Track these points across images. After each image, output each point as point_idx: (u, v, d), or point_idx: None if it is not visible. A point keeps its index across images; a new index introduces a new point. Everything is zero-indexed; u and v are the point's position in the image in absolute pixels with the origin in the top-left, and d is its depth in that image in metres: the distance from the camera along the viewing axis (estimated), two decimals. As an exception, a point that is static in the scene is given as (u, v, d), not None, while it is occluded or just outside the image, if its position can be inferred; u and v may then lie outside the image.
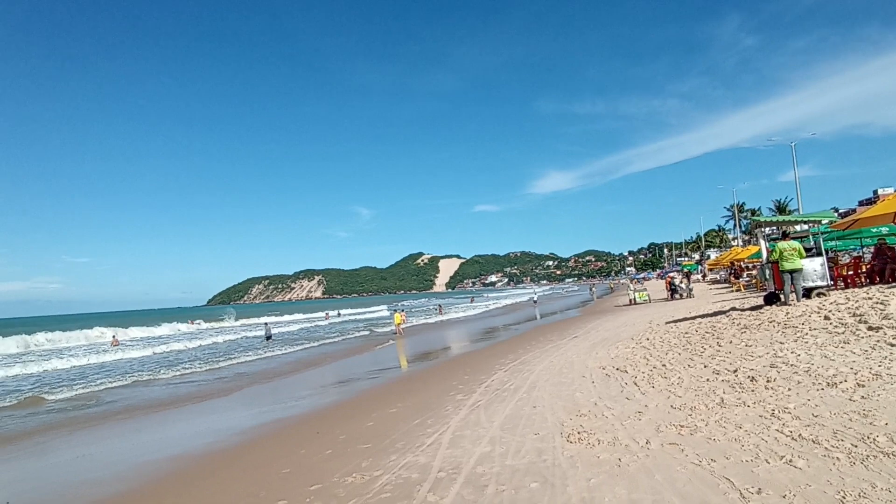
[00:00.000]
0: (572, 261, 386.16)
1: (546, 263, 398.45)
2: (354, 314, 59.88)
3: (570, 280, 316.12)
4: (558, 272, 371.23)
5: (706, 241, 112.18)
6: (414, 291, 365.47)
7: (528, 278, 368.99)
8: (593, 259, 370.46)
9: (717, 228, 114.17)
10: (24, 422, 12.04)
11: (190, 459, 7.90)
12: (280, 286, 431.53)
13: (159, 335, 40.90)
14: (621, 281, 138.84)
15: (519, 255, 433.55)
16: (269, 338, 30.43)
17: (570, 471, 5.09)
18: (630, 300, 34.45)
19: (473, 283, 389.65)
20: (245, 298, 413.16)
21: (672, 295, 32.42)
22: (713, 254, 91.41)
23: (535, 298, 60.51)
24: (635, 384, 8.53)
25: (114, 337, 36.58)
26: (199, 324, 50.66)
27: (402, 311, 40.69)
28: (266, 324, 34.45)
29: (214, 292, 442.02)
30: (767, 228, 18.66)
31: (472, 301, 74.69)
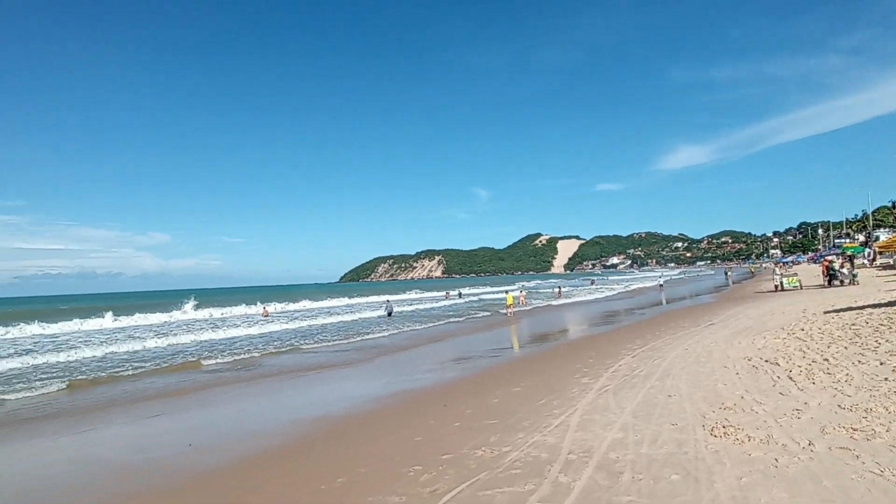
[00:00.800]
0: (705, 242, 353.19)
1: (674, 245, 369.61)
2: (475, 294, 61.06)
3: (703, 263, 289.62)
4: (688, 254, 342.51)
5: (875, 219, 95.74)
6: (531, 272, 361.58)
7: (654, 260, 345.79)
8: (730, 240, 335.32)
9: (890, 205, 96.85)
10: (193, 380, 14.13)
11: (332, 421, 8.68)
12: (403, 265, 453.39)
13: (301, 308, 45.33)
14: (764, 265, 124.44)
15: (643, 235, 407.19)
16: (389, 314, 32.29)
17: (716, 466, 4.72)
18: (776, 286, 30.78)
19: (593, 265, 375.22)
20: (372, 276, 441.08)
21: (830, 281, 28.32)
22: (883, 235, 77.75)
23: (662, 282, 56.60)
24: (790, 378, 7.62)
25: (264, 308, 41.42)
26: (333, 299, 55.31)
27: (522, 290, 40.61)
28: (388, 301, 36.55)
29: (345, 270, 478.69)
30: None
31: (592, 283, 72.14)
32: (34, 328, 30.05)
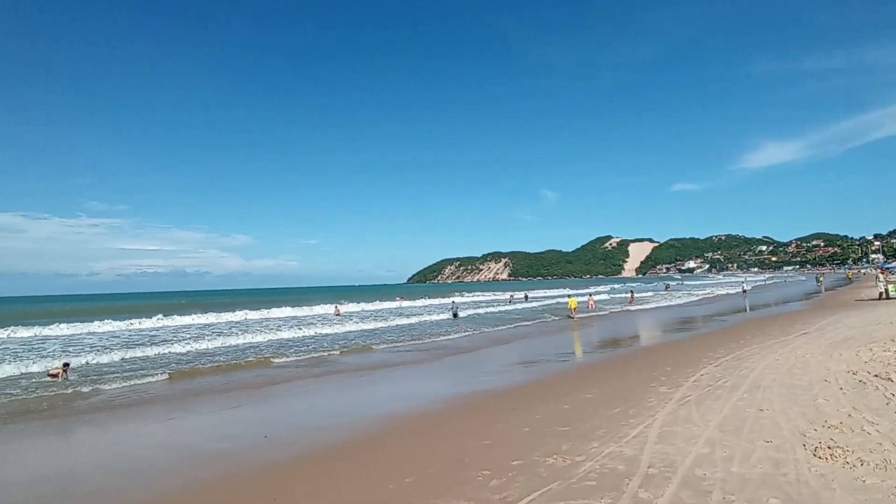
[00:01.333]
0: (792, 246, 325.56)
1: (758, 248, 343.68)
2: (540, 297, 59.96)
3: (790, 268, 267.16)
4: (773, 259, 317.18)
5: None
6: (601, 276, 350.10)
7: (735, 265, 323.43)
8: (822, 244, 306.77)
9: None
10: (270, 375, 14.77)
11: (400, 418, 8.72)
12: (469, 267, 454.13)
13: (372, 309, 46.48)
14: (864, 270, 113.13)
15: (723, 238, 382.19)
16: (455, 315, 32.29)
17: (823, 492, 4.20)
18: (880, 293, 27.89)
19: (668, 269, 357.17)
20: (438, 278, 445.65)
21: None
22: None
23: (746, 287, 52.79)
24: (908, 397, 6.73)
25: (336, 308, 42.88)
26: (400, 300, 56.19)
27: (592, 295, 39.34)
28: (453, 302, 36.60)
29: (413, 271, 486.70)
30: None
31: (666, 288, 68.56)
32: (151, 322, 33.04)
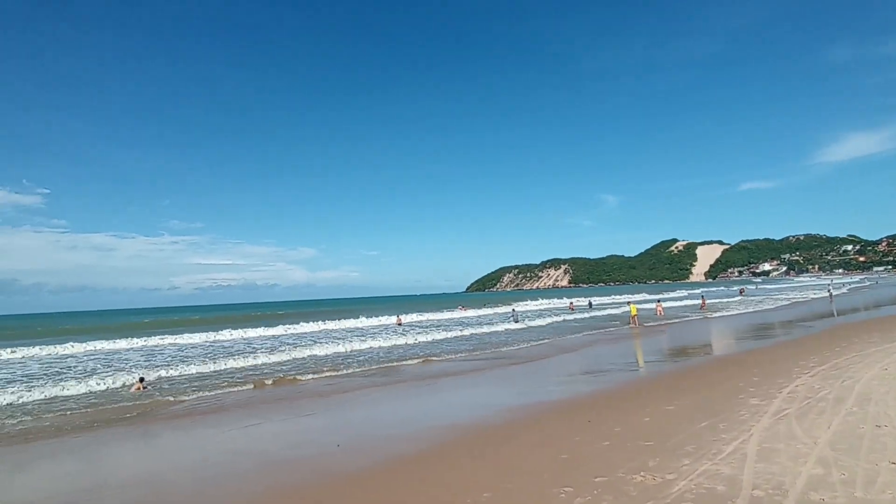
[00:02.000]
0: (883, 244, 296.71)
1: (842, 248, 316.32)
2: (606, 303, 58.02)
3: (881, 269, 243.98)
4: (861, 259, 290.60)
5: None
6: (667, 281, 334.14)
7: (816, 266, 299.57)
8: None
9: None
10: (339, 384, 14.99)
11: (468, 429, 8.51)
12: (528, 275, 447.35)
13: (434, 319, 46.68)
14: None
15: (801, 238, 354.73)
16: (516, 321, 31.84)
17: (977, 524, 3.61)
18: None
19: (741, 273, 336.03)
20: (497, 286, 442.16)
21: None
22: None
23: (832, 290, 48.70)
24: None
25: (398, 318, 43.41)
26: (463, 309, 56.07)
27: (658, 301, 37.66)
28: (513, 310, 36.18)
29: (472, 280, 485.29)
30: None
31: (741, 293, 64.57)
32: (241, 333, 34.85)
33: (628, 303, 33.37)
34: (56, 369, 20.59)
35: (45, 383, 15.91)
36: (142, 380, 15.08)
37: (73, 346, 28.75)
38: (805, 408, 7.52)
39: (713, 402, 8.71)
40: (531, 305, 61.72)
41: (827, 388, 8.82)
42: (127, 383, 15.34)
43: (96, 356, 25.58)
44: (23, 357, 25.67)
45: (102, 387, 15.26)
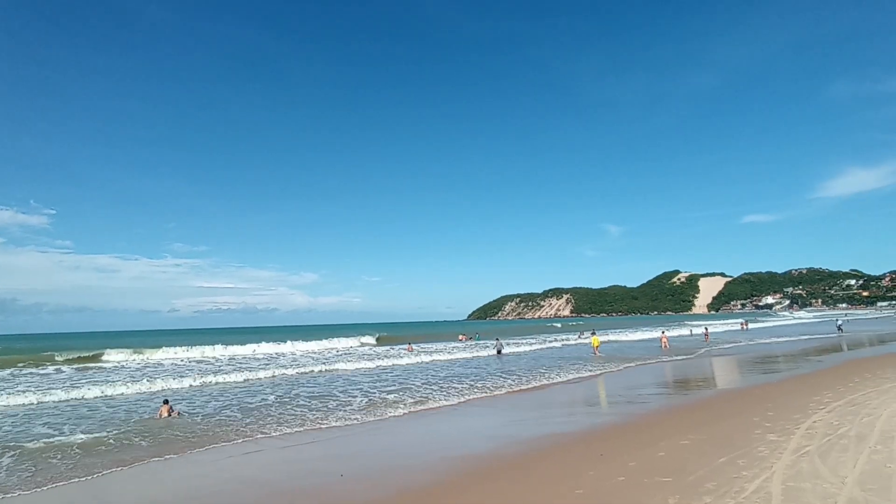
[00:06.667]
0: (887, 279, 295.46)
1: (845, 283, 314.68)
2: (612, 338, 57.43)
3: (885, 304, 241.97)
4: (864, 293, 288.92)
5: None
6: (669, 313, 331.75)
7: (819, 300, 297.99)
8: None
9: None
10: (343, 412, 14.68)
11: (479, 460, 8.24)
12: (530, 303, 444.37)
13: (438, 348, 46.09)
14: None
15: (804, 272, 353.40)
16: (499, 352, 32.80)
17: None
18: None
19: (743, 305, 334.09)
20: (499, 314, 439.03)
21: None
22: None
23: (841, 324, 48.21)
24: None
25: (409, 345, 43.15)
26: (464, 338, 55.61)
27: (663, 332, 37.30)
28: (497, 340, 37.39)
29: (474, 307, 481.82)
30: None
31: (743, 327, 63.90)
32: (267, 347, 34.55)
33: (592, 333, 34.30)
34: None
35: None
36: (166, 401, 14.00)
37: None
38: (827, 445, 7.27)
39: (728, 436, 8.46)
40: (533, 338, 60.98)
41: (846, 424, 8.57)
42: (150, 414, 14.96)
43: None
44: None
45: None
